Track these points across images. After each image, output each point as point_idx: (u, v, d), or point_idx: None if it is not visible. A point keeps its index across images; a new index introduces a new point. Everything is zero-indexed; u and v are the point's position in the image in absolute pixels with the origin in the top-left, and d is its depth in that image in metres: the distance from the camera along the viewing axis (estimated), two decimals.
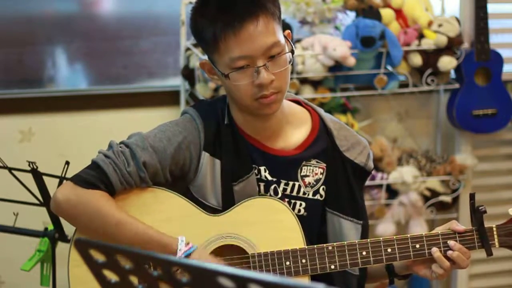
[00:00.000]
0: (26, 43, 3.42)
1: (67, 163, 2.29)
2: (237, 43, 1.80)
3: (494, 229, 1.95)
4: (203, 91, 3.19)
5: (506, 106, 3.57)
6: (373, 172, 3.34)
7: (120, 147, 1.90)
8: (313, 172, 1.97)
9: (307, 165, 1.97)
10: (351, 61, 3.15)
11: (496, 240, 1.95)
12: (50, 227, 2.44)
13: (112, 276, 1.18)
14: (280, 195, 1.96)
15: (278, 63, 1.84)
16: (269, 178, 1.95)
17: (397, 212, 3.47)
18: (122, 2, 3.68)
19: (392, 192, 3.49)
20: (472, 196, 1.94)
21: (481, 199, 2.05)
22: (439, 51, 3.34)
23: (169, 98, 3.44)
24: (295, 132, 1.99)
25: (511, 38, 3.89)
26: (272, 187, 1.95)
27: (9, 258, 3.15)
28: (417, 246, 1.92)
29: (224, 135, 1.93)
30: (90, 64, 3.56)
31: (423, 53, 3.34)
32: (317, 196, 1.98)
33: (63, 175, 2.29)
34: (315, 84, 3.29)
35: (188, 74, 3.30)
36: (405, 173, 3.42)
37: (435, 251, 1.91)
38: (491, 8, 3.48)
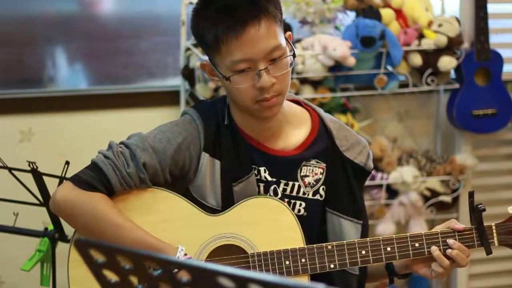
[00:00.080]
0: (26, 43, 3.42)
1: (67, 163, 2.29)
2: (238, 46, 1.80)
3: (494, 227, 1.95)
4: (203, 91, 3.19)
5: (506, 106, 3.57)
6: (373, 172, 3.34)
7: (120, 147, 1.90)
8: (313, 172, 1.98)
9: (307, 165, 1.97)
10: (351, 61, 3.15)
11: (495, 238, 1.95)
12: (50, 227, 2.44)
13: (112, 276, 1.18)
14: (280, 195, 1.96)
15: (280, 66, 1.84)
16: (269, 178, 1.95)
17: (397, 212, 3.47)
18: (122, 2, 3.68)
19: (392, 192, 3.49)
20: (471, 194, 1.94)
21: (481, 199, 2.04)
22: (439, 51, 3.34)
23: (169, 98, 3.44)
24: (295, 132, 1.99)
25: (511, 38, 3.90)
26: (272, 187, 1.95)
27: (9, 258, 3.15)
28: (417, 245, 1.92)
29: (224, 135, 1.93)
30: (90, 64, 3.56)
31: (423, 53, 3.34)
32: (317, 196, 1.98)
33: (63, 175, 2.29)
34: (315, 84, 3.29)
35: (188, 74, 3.30)
36: (405, 173, 3.42)
37: (435, 250, 1.91)
38: (491, 8, 3.48)
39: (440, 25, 3.34)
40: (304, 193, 1.97)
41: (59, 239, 2.43)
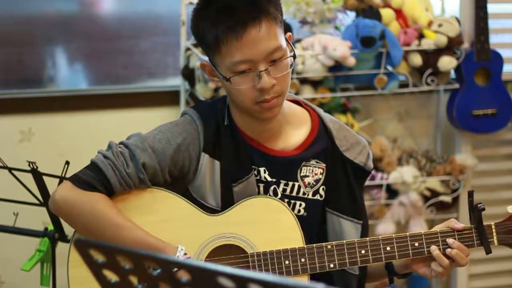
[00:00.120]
0: (26, 43, 3.43)
1: (67, 163, 2.29)
2: (239, 47, 1.80)
3: (493, 226, 1.95)
4: (203, 91, 3.19)
5: (506, 106, 3.57)
6: (373, 172, 3.34)
7: (119, 147, 1.90)
8: (312, 172, 1.97)
9: (306, 166, 1.97)
10: (351, 61, 3.15)
11: (495, 237, 1.95)
12: (50, 227, 2.44)
13: (112, 276, 1.18)
14: (279, 195, 1.96)
15: (280, 67, 1.84)
16: (269, 179, 1.95)
17: (397, 212, 3.47)
18: (122, 2, 3.68)
19: (392, 192, 3.49)
20: (470, 194, 1.94)
21: (481, 199, 2.04)
22: (439, 51, 3.34)
23: (169, 98, 3.44)
24: (294, 133, 1.98)
25: (511, 38, 3.90)
26: (272, 187, 1.95)
27: (9, 258, 3.15)
28: (416, 244, 1.92)
29: (224, 136, 1.93)
30: (90, 64, 3.56)
31: (423, 53, 3.34)
32: (317, 196, 1.98)
33: (63, 175, 2.29)
34: (315, 84, 3.29)
35: (188, 74, 3.30)
36: (405, 173, 3.42)
37: (434, 249, 1.91)
38: (491, 8, 3.48)
39: (440, 25, 3.34)
40: (304, 193, 1.97)
41: (59, 239, 2.43)
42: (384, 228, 3.45)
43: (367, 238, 1.92)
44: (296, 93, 3.10)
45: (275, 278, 1.00)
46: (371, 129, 3.60)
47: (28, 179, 2.36)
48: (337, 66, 3.21)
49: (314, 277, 1.91)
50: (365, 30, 3.19)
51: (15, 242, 2.79)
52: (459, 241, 1.92)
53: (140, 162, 1.87)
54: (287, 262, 1.88)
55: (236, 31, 1.79)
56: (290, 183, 1.96)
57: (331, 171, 1.98)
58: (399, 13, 3.36)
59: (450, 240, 1.92)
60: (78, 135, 3.32)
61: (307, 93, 3.23)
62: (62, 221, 2.39)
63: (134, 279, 1.17)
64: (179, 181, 1.94)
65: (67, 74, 3.56)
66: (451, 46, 3.35)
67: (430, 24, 3.34)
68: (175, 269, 1.10)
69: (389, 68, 3.32)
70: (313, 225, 1.97)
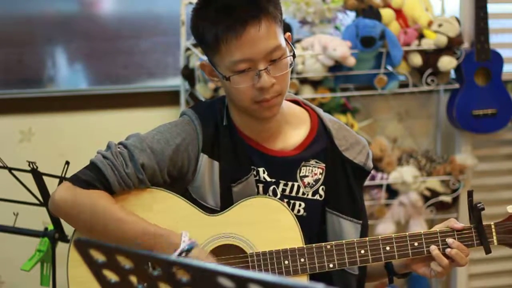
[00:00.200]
0: (26, 43, 3.43)
1: (67, 163, 2.29)
2: (238, 46, 1.80)
3: (493, 226, 1.95)
4: (203, 91, 3.19)
5: (506, 106, 3.57)
6: (373, 172, 3.35)
7: (119, 147, 1.90)
8: (312, 172, 1.97)
9: (306, 166, 1.97)
10: (351, 61, 3.15)
11: (494, 237, 1.95)
12: (50, 227, 2.44)
13: (112, 276, 1.18)
14: (279, 195, 1.96)
15: (279, 66, 1.84)
16: (268, 179, 1.95)
17: (397, 212, 3.47)
18: (122, 2, 3.68)
19: (392, 192, 3.49)
20: (470, 194, 1.94)
21: (481, 199, 2.04)
22: (439, 51, 3.34)
23: (169, 98, 3.44)
24: (294, 133, 1.98)
25: (511, 38, 3.90)
26: (271, 188, 1.95)
27: (9, 258, 3.15)
28: (416, 244, 1.92)
29: (222, 136, 1.93)
30: (90, 64, 3.56)
31: (423, 53, 3.34)
32: (317, 196, 1.98)
33: (63, 175, 2.29)
34: (315, 84, 3.29)
35: (188, 74, 3.30)
36: (405, 173, 3.43)
37: (434, 249, 1.91)
38: (491, 8, 3.48)
39: (440, 25, 3.34)
40: (303, 193, 1.97)
41: (59, 239, 2.43)
42: (384, 228, 3.45)
43: (367, 238, 1.92)
44: (296, 93, 3.10)
45: (275, 278, 1.00)
46: (371, 129, 3.60)
47: (28, 179, 2.36)
48: (337, 66, 3.21)
49: (314, 277, 1.91)
50: (365, 30, 3.19)
51: (15, 242, 2.79)
52: (458, 241, 1.92)
53: (139, 163, 1.87)
54: (286, 262, 1.88)
55: (236, 30, 1.79)
56: (290, 183, 1.96)
57: (330, 171, 1.98)
58: (399, 13, 3.36)
59: (449, 240, 1.92)
60: (78, 135, 3.32)
61: (307, 93, 3.23)
62: (62, 221, 2.39)
63: (134, 279, 1.17)
64: (178, 182, 1.94)
65: (67, 74, 3.56)
66: (451, 46, 3.35)
67: (430, 24, 3.34)
68: (176, 267, 1.10)
69: (389, 68, 3.32)
70: (313, 225, 1.97)
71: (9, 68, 3.44)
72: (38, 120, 3.31)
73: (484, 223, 1.94)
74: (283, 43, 1.85)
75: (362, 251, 1.91)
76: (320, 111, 2.04)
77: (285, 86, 1.87)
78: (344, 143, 2.00)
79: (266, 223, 1.91)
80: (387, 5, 3.34)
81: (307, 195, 1.97)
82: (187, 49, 3.31)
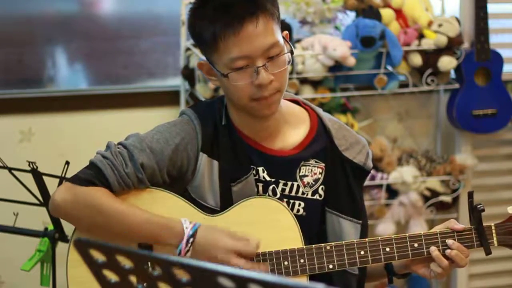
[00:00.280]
0: (26, 43, 3.43)
1: (67, 163, 2.29)
2: (236, 43, 1.80)
3: (493, 227, 1.95)
4: (203, 91, 3.19)
5: (506, 106, 3.57)
6: (373, 172, 3.35)
7: (118, 147, 1.90)
8: (312, 172, 1.97)
9: (305, 165, 1.97)
10: (351, 61, 3.15)
11: (494, 238, 1.95)
12: (50, 227, 2.44)
13: (112, 276, 1.18)
14: (278, 195, 1.95)
15: (277, 63, 1.84)
16: (268, 178, 1.95)
17: (397, 212, 3.47)
18: (122, 2, 3.68)
19: (392, 192, 3.49)
20: (470, 195, 1.94)
21: (481, 199, 2.04)
22: (439, 51, 3.34)
23: (169, 98, 3.44)
24: (293, 132, 1.98)
25: (511, 38, 3.90)
26: (271, 187, 1.95)
27: (9, 258, 3.15)
28: (416, 245, 1.92)
29: (221, 135, 1.93)
30: (90, 64, 3.56)
31: (423, 53, 3.34)
32: (316, 196, 1.98)
33: (63, 175, 2.30)
34: (315, 84, 3.29)
35: (188, 74, 3.30)
36: (405, 173, 3.42)
37: (434, 250, 1.91)
38: (491, 8, 3.48)
39: (440, 25, 3.34)
40: (303, 193, 1.97)
41: (59, 239, 2.44)
42: (384, 228, 3.45)
43: (366, 239, 1.92)
44: (296, 93, 3.10)
45: (275, 278, 1.00)
46: (371, 129, 3.60)
47: (28, 179, 2.36)
48: (337, 66, 3.21)
49: (314, 277, 1.90)
50: (365, 30, 3.19)
51: (15, 242, 2.79)
52: (458, 242, 1.92)
53: (139, 162, 1.87)
54: (286, 262, 1.88)
55: (234, 27, 1.79)
56: (289, 183, 1.96)
57: (330, 170, 1.98)
58: (399, 13, 3.36)
59: (449, 241, 1.92)
60: (78, 135, 3.32)
61: (307, 93, 3.23)
62: (62, 221, 2.39)
63: (134, 279, 1.17)
64: (178, 181, 1.94)
65: (67, 74, 3.56)
66: (451, 46, 3.35)
67: (430, 24, 3.34)
68: (175, 266, 1.10)
69: (389, 68, 3.32)
70: (313, 225, 1.97)
71: (9, 68, 3.44)
72: (38, 120, 3.31)
73: (484, 224, 1.93)
74: (281, 40, 1.86)
75: (362, 252, 1.90)
76: (319, 110, 2.04)
77: (284, 83, 1.87)
78: (343, 143, 2.00)
79: (265, 223, 1.90)
80: (387, 5, 3.34)
81: (307, 194, 1.97)
82: (187, 49, 3.31)
